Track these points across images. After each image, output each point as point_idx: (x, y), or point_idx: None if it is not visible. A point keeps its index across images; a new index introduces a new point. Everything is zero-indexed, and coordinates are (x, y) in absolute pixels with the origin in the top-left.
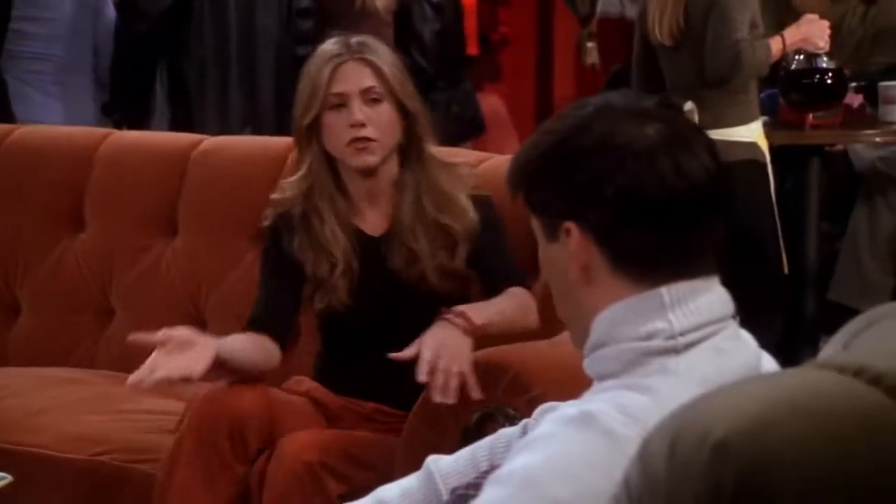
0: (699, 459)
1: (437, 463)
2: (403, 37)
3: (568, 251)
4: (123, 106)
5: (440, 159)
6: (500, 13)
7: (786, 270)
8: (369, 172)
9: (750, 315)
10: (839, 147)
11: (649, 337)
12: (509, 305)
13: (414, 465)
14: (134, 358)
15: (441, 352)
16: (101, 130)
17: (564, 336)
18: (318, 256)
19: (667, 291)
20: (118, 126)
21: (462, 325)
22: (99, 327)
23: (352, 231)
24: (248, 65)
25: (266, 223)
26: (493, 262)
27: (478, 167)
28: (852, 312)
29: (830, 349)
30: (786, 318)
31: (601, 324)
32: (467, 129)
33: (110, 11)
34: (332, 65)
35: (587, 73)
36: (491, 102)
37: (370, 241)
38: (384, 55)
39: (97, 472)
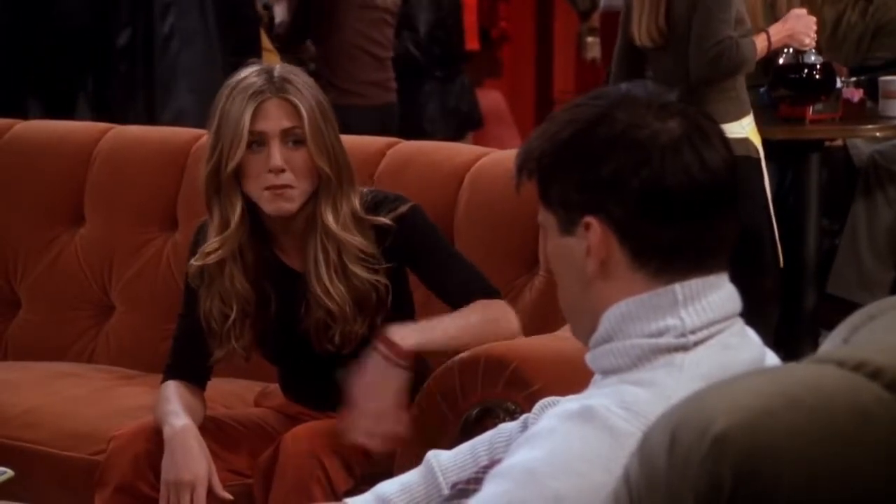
0: (699, 453)
1: (438, 457)
2: (399, 26)
3: (586, 245)
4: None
5: (356, 209)
6: (500, 8)
7: (781, 265)
8: (284, 217)
9: (746, 310)
10: (838, 142)
11: (660, 333)
12: (462, 322)
13: (413, 458)
14: (133, 353)
15: (365, 410)
16: (100, 125)
17: (562, 332)
18: (213, 305)
19: (680, 288)
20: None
21: (387, 355)
22: (98, 322)
23: (273, 264)
24: (182, 73)
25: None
26: (443, 282)
27: (477, 162)
28: (852, 307)
29: (830, 343)
30: (784, 312)
31: (611, 319)
32: (465, 124)
33: None
34: (254, 103)
35: (587, 68)
36: (491, 97)
37: (292, 274)
38: (307, 93)
39: (95, 471)
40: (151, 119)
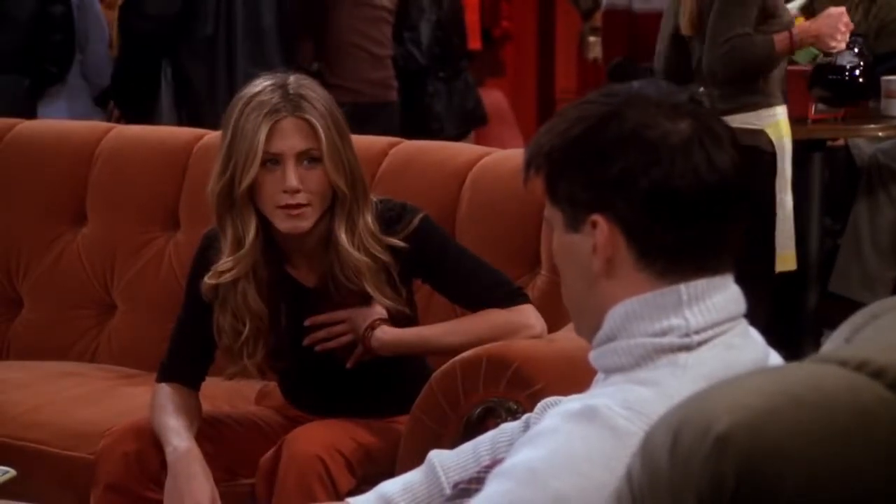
0: (701, 452)
1: (440, 457)
2: (399, 27)
3: (592, 243)
4: (127, 104)
5: (370, 226)
6: (502, 8)
7: (776, 269)
8: (298, 235)
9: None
10: (840, 142)
11: (664, 333)
12: (462, 328)
13: (416, 458)
14: (135, 353)
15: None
16: (103, 125)
17: (564, 332)
18: (225, 321)
19: (685, 288)
20: (109, 118)
21: (367, 337)
22: (100, 322)
23: (284, 281)
24: (256, 65)
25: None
26: (458, 294)
27: (479, 161)
28: (854, 306)
29: (833, 343)
30: (786, 312)
31: (615, 317)
32: (469, 121)
33: (96, 9)
34: (269, 122)
35: (589, 68)
36: (493, 97)
37: (303, 291)
38: (321, 106)
39: None
40: None
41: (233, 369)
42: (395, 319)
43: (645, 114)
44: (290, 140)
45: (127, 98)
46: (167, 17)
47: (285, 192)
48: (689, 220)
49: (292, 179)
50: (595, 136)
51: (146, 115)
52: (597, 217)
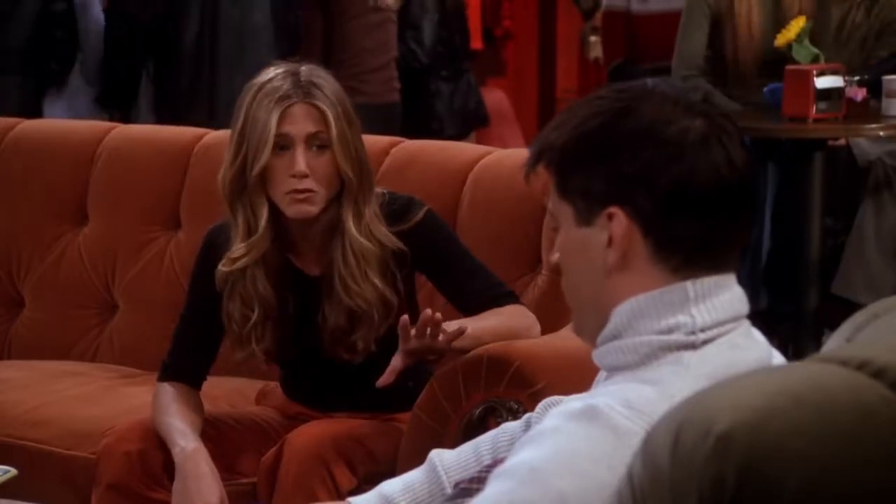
0: (702, 452)
1: (441, 456)
2: (401, 25)
3: (608, 236)
4: (114, 105)
5: (376, 215)
6: (504, 7)
7: None
8: (305, 220)
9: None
10: (841, 142)
11: (670, 331)
12: (494, 323)
13: (417, 458)
14: (136, 352)
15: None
16: (104, 124)
17: (565, 331)
18: (234, 307)
19: (692, 285)
20: (111, 118)
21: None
22: (102, 321)
23: (288, 270)
24: (239, 65)
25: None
26: (458, 291)
27: (480, 161)
28: (856, 306)
29: (834, 343)
30: (787, 312)
31: (621, 314)
32: (470, 122)
33: (96, 11)
34: (281, 107)
35: (590, 68)
36: (494, 97)
37: (307, 281)
38: (331, 93)
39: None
40: (211, 116)
41: (241, 354)
42: (391, 311)
43: (662, 110)
44: (300, 124)
45: (110, 98)
46: (147, 20)
47: (293, 176)
48: (707, 217)
49: (301, 164)
50: (614, 130)
51: (125, 116)
52: (614, 209)
